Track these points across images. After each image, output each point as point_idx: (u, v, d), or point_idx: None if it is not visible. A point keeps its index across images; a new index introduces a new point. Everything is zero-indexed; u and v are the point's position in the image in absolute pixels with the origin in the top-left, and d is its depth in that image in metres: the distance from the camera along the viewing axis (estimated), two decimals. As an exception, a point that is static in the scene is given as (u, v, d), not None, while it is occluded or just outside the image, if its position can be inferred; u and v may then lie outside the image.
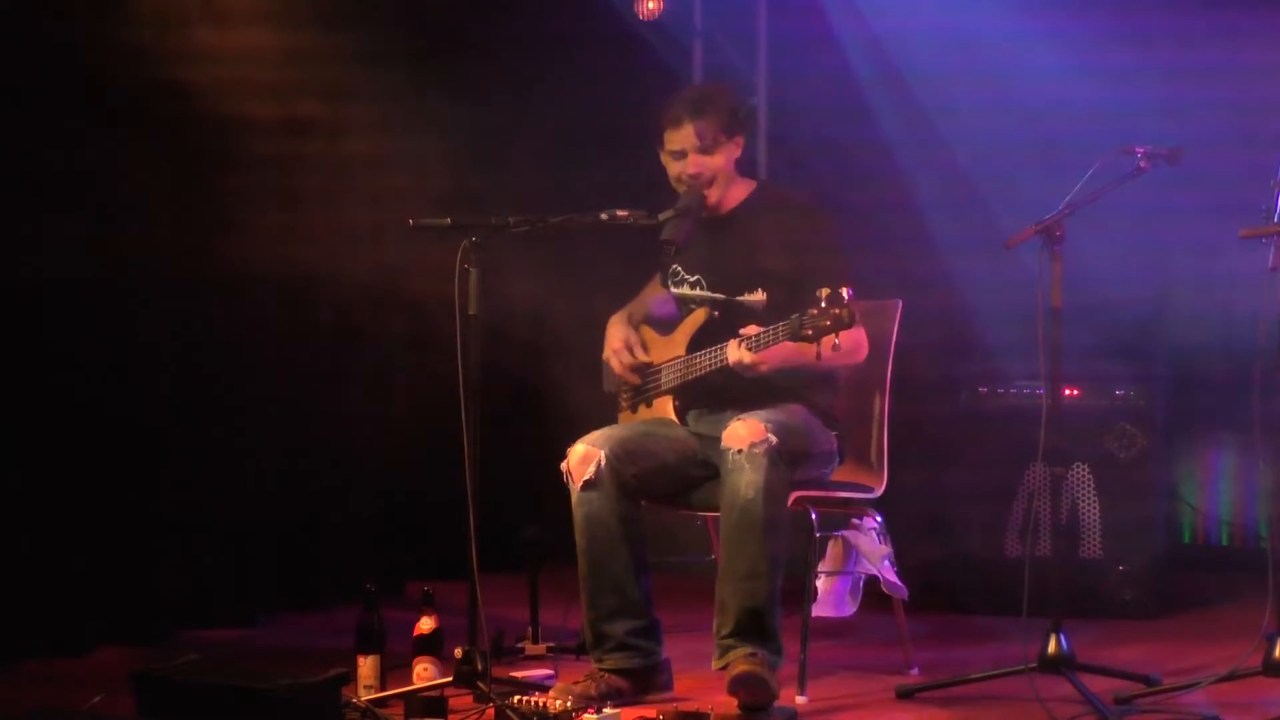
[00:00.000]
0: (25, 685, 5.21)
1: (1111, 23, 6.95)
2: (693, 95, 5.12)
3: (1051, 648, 4.90)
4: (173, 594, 5.89)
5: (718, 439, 4.91)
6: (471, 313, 4.85)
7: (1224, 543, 7.17)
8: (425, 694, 4.86)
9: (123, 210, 5.69)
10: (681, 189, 5.11)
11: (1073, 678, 4.85)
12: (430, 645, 5.08)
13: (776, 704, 4.79)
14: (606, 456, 4.96)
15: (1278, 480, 5.73)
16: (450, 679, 4.87)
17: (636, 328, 5.25)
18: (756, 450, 4.78)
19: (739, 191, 5.18)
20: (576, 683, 4.96)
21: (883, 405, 5.30)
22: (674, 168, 5.10)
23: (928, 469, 6.19)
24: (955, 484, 6.35)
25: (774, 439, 4.80)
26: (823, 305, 4.61)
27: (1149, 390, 6.27)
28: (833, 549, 5.43)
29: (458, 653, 4.85)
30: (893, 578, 5.29)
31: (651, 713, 4.67)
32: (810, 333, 4.64)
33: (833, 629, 5.65)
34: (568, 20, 7.16)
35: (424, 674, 5.05)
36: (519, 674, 5.26)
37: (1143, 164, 4.93)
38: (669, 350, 5.19)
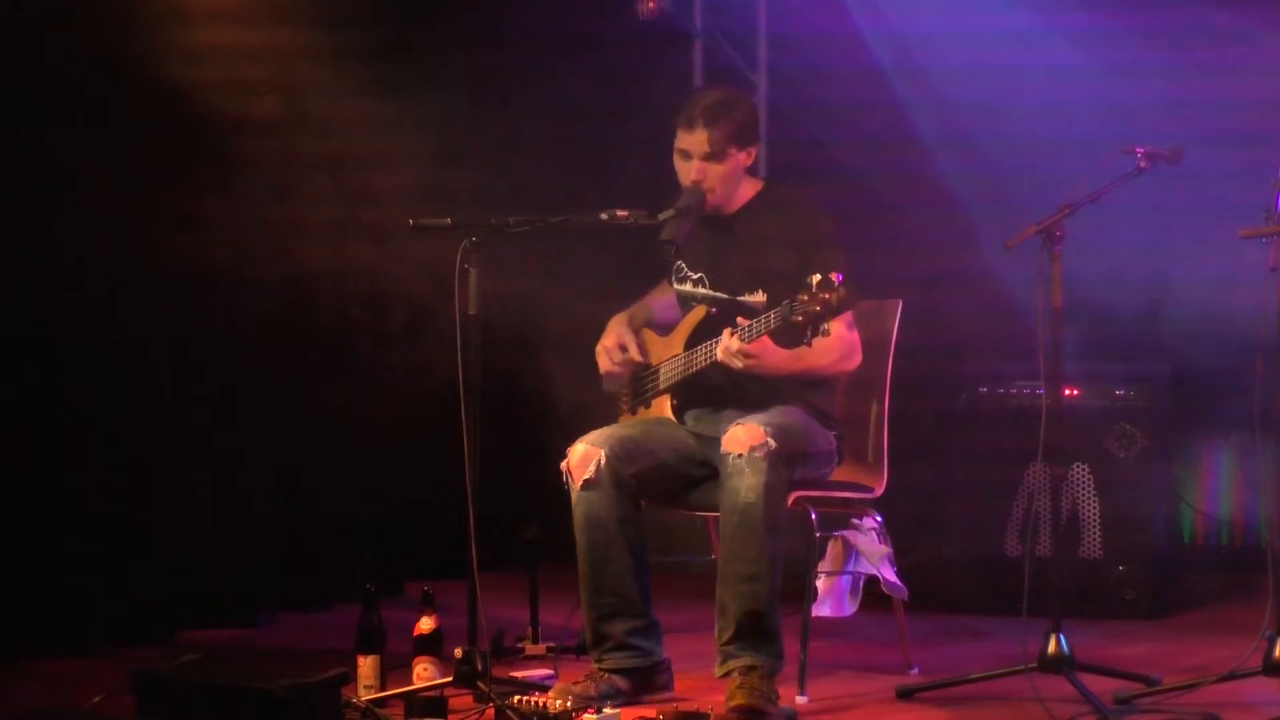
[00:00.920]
0: (25, 685, 5.21)
1: (1113, 21, 6.95)
2: (710, 101, 5.07)
3: (1051, 648, 4.89)
4: (173, 594, 5.89)
5: (717, 439, 4.91)
6: (471, 312, 4.86)
7: (1224, 542, 7.16)
8: (425, 694, 4.86)
9: (121, 210, 5.68)
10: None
11: (1073, 678, 4.85)
12: (430, 645, 5.07)
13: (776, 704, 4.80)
14: (606, 456, 4.96)
15: (1278, 479, 5.73)
16: (450, 679, 4.87)
17: (637, 330, 5.25)
18: (756, 454, 4.78)
19: (746, 192, 5.17)
20: (576, 683, 4.96)
21: (882, 405, 5.30)
22: (680, 167, 5.10)
23: (928, 469, 6.19)
24: (955, 484, 6.35)
25: (773, 442, 4.80)
26: (813, 290, 4.61)
27: (1149, 390, 6.27)
28: (833, 549, 5.43)
29: (458, 653, 4.85)
30: (893, 578, 5.29)
31: (651, 713, 4.67)
32: (801, 318, 4.63)
33: (833, 629, 5.65)
34: (568, 19, 7.15)
35: (424, 674, 5.05)
36: (519, 674, 5.26)
37: (1143, 164, 4.93)
38: (667, 350, 5.19)
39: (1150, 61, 6.87)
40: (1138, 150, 4.93)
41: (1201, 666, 5.26)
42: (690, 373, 5.09)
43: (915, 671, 5.34)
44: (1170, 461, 6.49)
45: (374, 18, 6.54)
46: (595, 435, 5.04)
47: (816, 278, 4.62)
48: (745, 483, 4.78)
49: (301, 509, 6.44)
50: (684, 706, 4.61)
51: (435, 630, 5.08)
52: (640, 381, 5.25)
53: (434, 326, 5.19)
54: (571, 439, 5.07)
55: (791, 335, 4.78)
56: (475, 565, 4.82)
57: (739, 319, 4.85)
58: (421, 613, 5.11)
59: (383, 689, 4.99)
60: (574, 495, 4.99)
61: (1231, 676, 4.85)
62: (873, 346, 5.19)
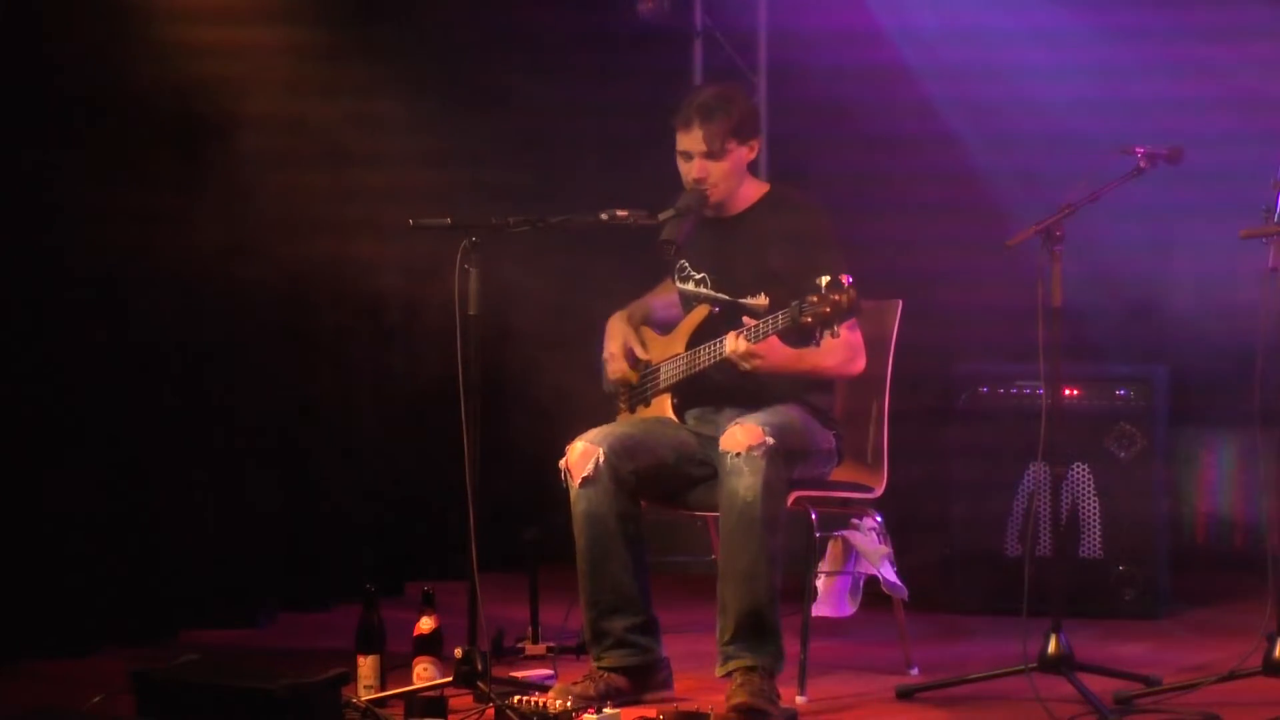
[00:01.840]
0: (25, 685, 5.21)
1: (1115, 19, 6.94)
2: (704, 98, 5.07)
3: (1051, 648, 4.90)
4: (173, 594, 5.89)
5: (717, 439, 4.91)
6: (471, 313, 4.86)
7: (1224, 542, 7.16)
8: (425, 694, 4.86)
9: (121, 210, 5.68)
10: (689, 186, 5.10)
11: (1073, 678, 4.85)
12: (430, 645, 5.08)
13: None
14: (605, 453, 4.96)
15: (1278, 479, 5.73)
16: (450, 679, 4.87)
17: (636, 328, 5.25)
18: (755, 453, 4.78)
19: (750, 194, 5.17)
20: (576, 683, 4.96)
21: (882, 405, 5.30)
22: (681, 167, 5.10)
23: (927, 468, 6.19)
24: (955, 483, 6.35)
25: (771, 441, 4.80)
26: (823, 292, 4.61)
27: (1149, 390, 6.26)
28: (832, 549, 5.43)
29: (458, 653, 4.86)
30: (892, 578, 5.29)
31: (651, 713, 4.67)
32: (810, 320, 4.63)
33: (833, 629, 5.65)
34: (568, 18, 7.15)
35: (424, 674, 5.05)
36: (519, 674, 5.26)
37: (1143, 164, 4.93)
38: (668, 348, 5.19)
39: (1151, 60, 6.87)
40: (1137, 150, 4.93)
41: (1201, 666, 5.26)
42: (693, 372, 5.09)
43: (915, 671, 5.34)
44: (1170, 461, 6.49)
45: (372, 15, 6.53)
46: (594, 433, 5.04)
47: (826, 279, 4.62)
48: (744, 482, 4.78)
49: (301, 509, 6.44)
50: (684, 706, 4.62)
51: (435, 630, 5.08)
52: (640, 380, 5.25)
53: (434, 326, 5.19)
54: (570, 437, 5.07)
55: (800, 336, 4.78)
56: (475, 565, 4.82)
57: (745, 319, 4.85)
58: (421, 613, 5.11)
59: (383, 689, 4.99)
60: (573, 493, 4.99)
61: (1231, 676, 4.85)
62: (873, 346, 5.19)
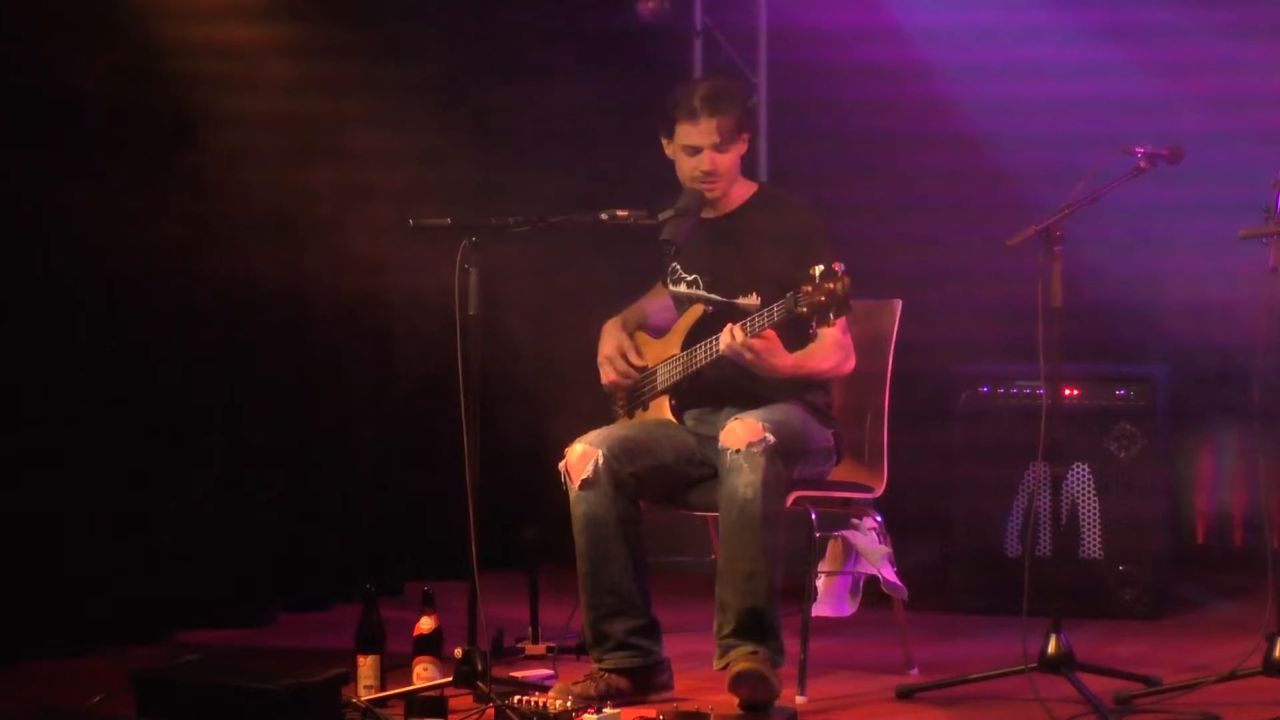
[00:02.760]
0: (25, 685, 5.21)
1: (1113, 18, 6.94)
2: (708, 90, 5.05)
3: (1051, 648, 4.89)
4: (172, 594, 5.89)
5: (716, 439, 4.91)
6: (471, 313, 4.86)
7: (1224, 542, 7.16)
8: (425, 694, 4.86)
9: (121, 211, 5.68)
10: (695, 183, 5.09)
11: (1073, 678, 4.85)
12: (430, 645, 5.08)
13: (777, 704, 4.79)
14: (605, 455, 4.96)
15: (1278, 478, 5.73)
16: (450, 679, 4.87)
17: (631, 334, 5.25)
18: (754, 450, 4.78)
19: (739, 193, 5.17)
20: (576, 683, 4.96)
21: (882, 405, 5.30)
22: (686, 164, 5.08)
23: (927, 468, 6.19)
24: (955, 483, 6.35)
25: (771, 438, 4.80)
26: (817, 281, 4.61)
27: (1149, 390, 6.26)
28: (832, 549, 5.43)
29: (458, 653, 4.85)
30: (892, 577, 5.29)
31: (651, 713, 4.67)
32: (806, 309, 4.64)
33: (833, 628, 5.65)
34: (568, 17, 7.14)
35: (424, 674, 5.05)
36: (519, 674, 5.26)
37: (1143, 164, 4.92)
38: (664, 351, 5.19)
39: (1151, 58, 6.87)
40: (1137, 150, 4.93)
41: (1201, 666, 5.25)
42: (690, 372, 5.09)
43: (915, 671, 5.34)
44: (1170, 461, 6.49)
45: (370, 13, 6.53)
46: (593, 435, 5.04)
47: (819, 268, 4.62)
48: (743, 479, 4.78)
49: (301, 509, 6.43)
50: (684, 706, 4.61)
51: (435, 630, 5.08)
52: (637, 385, 5.24)
53: (434, 326, 5.19)
54: (570, 439, 5.07)
55: (796, 328, 4.78)
56: (475, 565, 4.82)
57: (731, 322, 4.85)
58: (421, 613, 5.11)
59: (383, 689, 4.99)
60: (572, 495, 4.99)
61: (1231, 676, 4.85)
62: (872, 346, 5.19)
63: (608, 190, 5.47)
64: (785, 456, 4.84)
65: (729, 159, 5.06)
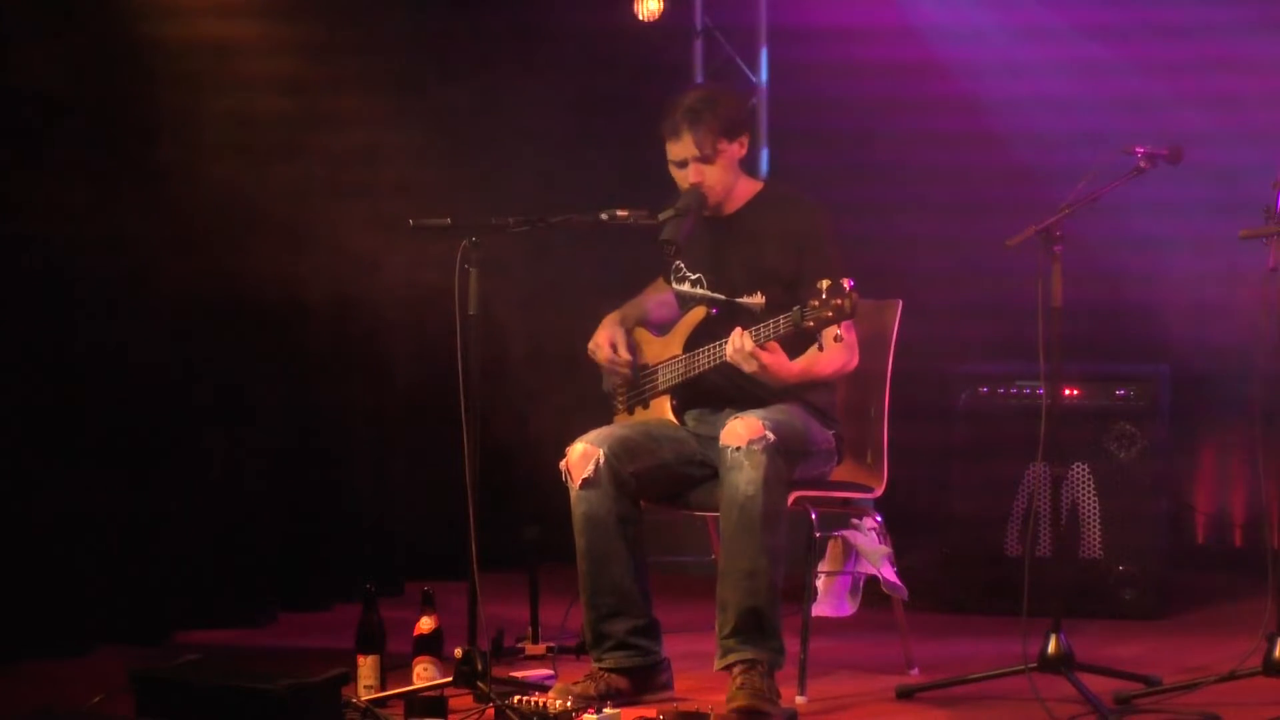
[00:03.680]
0: (25, 685, 5.21)
1: (1114, 16, 6.94)
2: (689, 103, 5.05)
3: (1051, 648, 4.90)
4: (173, 594, 5.89)
5: (717, 439, 4.91)
6: (471, 312, 4.86)
7: (1224, 542, 7.16)
8: (425, 694, 4.86)
9: (120, 213, 5.68)
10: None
11: (1073, 678, 4.85)
12: (430, 645, 5.08)
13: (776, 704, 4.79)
14: (605, 455, 4.96)
15: (1277, 478, 5.72)
16: (450, 679, 4.87)
17: (630, 330, 5.25)
18: (755, 448, 4.78)
19: (744, 192, 5.17)
20: (576, 683, 4.96)
21: (882, 405, 5.30)
22: (677, 175, 5.10)
23: (928, 468, 6.19)
24: (955, 483, 6.35)
25: (772, 436, 4.80)
26: (824, 296, 4.62)
27: (1149, 390, 6.26)
28: (832, 549, 5.43)
29: (458, 653, 4.86)
30: (892, 577, 5.29)
31: (651, 713, 4.67)
32: (812, 324, 4.65)
33: (833, 628, 5.64)
34: (568, 16, 7.14)
35: (424, 674, 5.06)
36: (519, 674, 5.26)
37: (1143, 164, 4.92)
38: (665, 350, 5.19)
39: (1153, 56, 6.87)
40: (1137, 150, 4.93)
41: (1201, 666, 5.25)
42: (690, 375, 5.09)
43: (915, 671, 5.34)
44: (1170, 461, 6.49)
45: (368, 11, 6.53)
46: (594, 435, 5.04)
47: (827, 283, 4.63)
48: (744, 477, 4.78)
49: (301, 509, 6.43)
50: (684, 706, 4.61)
51: (435, 630, 5.09)
52: (638, 382, 5.24)
53: (434, 326, 5.19)
54: (571, 438, 5.07)
55: (801, 340, 4.79)
56: (475, 565, 4.82)
57: (739, 328, 4.85)
58: (421, 613, 5.11)
59: (383, 689, 5.00)
60: (573, 495, 4.99)
61: (1231, 676, 4.85)
62: (873, 346, 5.19)
63: (608, 190, 5.47)
64: (786, 455, 4.84)
65: (716, 169, 5.05)
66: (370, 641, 5.02)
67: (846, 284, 4.63)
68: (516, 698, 4.69)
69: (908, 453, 5.42)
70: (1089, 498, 6.21)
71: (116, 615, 5.72)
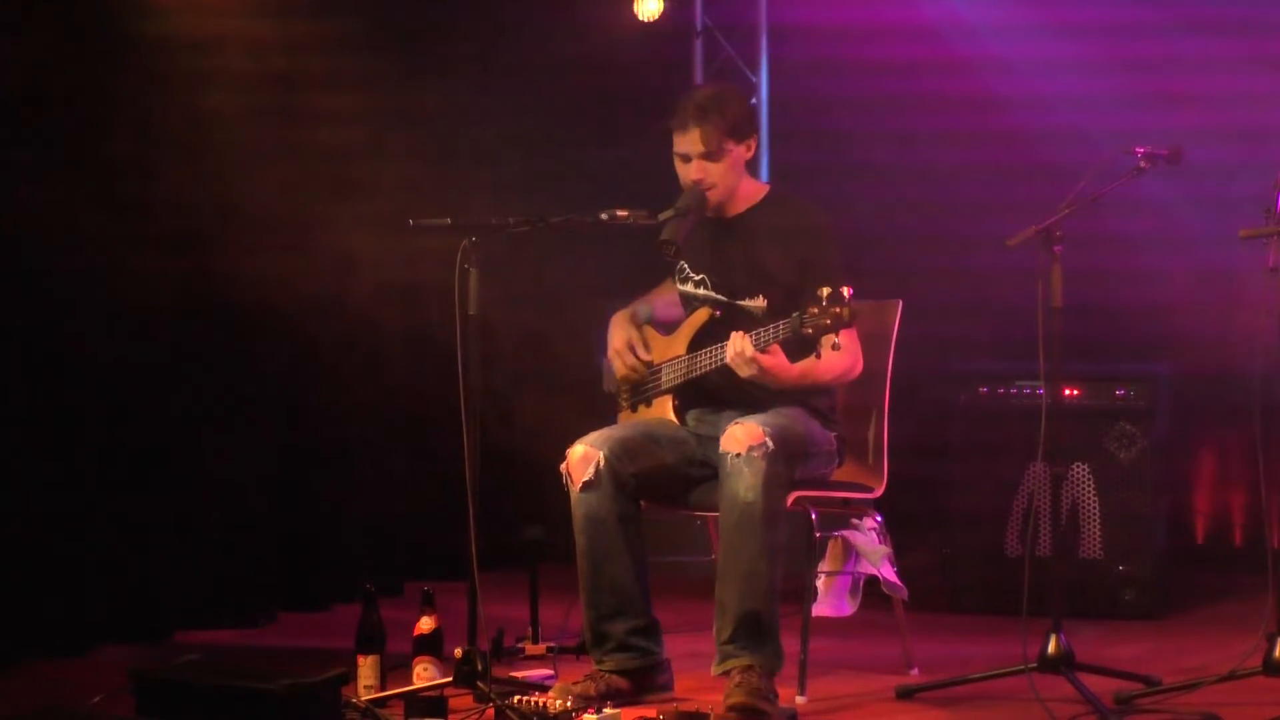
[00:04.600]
0: (25, 685, 5.21)
1: (1114, 14, 6.94)
2: (699, 99, 5.06)
3: (1051, 648, 4.90)
4: (173, 594, 5.89)
5: (717, 439, 4.91)
6: (471, 313, 4.86)
7: (1224, 542, 7.15)
8: (425, 694, 4.86)
9: (117, 207, 5.68)
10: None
11: (1073, 678, 4.85)
12: (430, 645, 5.08)
13: (776, 704, 4.79)
14: (606, 456, 4.96)
15: (1277, 478, 5.73)
16: (450, 679, 4.87)
17: (639, 328, 5.26)
18: (755, 454, 4.78)
19: (749, 194, 5.17)
20: (576, 683, 4.96)
21: (882, 405, 5.30)
22: (680, 170, 5.10)
23: (928, 468, 6.19)
24: (955, 483, 6.35)
25: (771, 443, 4.80)
26: (823, 304, 4.63)
27: (1149, 390, 6.26)
28: (832, 549, 5.43)
29: (458, 653, 4.86)
30: (892, 577, 5.29)
31: (651, 713, 4.67)
32: (811, 331, 4.66)
33: (832, 628, 5.64)
34: (567, 14, 7.14)
35: (424, 674, 5.06)
36: (519, 674, 5.26)
37: (1143, 164, 4.92)
38: (670, 350, 5.19)
39: (1154, 55, 6.87)
40: (1137, 150, 4.93)
41: (1201, 666, 5.25)
42: (692, 376, 5.09)
43: (915, 671, 5.34)
44: (1170, 461, 6.48)
45: (367, 10, 6.53)
46: (594, 436, 5.04)
47: (826, 291, 4.63)
48: (744, 483, 4.78)
49: (301, 509, 6.43)
50: (684, 706, 4.61)
51: (435, 630, 5.09)
52: (642, 380, 5.24)
53: (434, 326, 5.19)
54: (571, 439, 5.06)
55: (800, 347, 4.79)
56: (475, 565, 4.82)
57: (738, 332, 4.85)
58: (421, 613, 5.11)
59: (383, 689, 5.00)
60: (573, 496, 4.99)
61: (1231, 676, 4.85)
62: (873, 346, 5.19)
63: (608, 190, 5.47)
64: (786, 460, 4.84)
65: (720, 167, 5.05)
66: (370, 641, 5.02)
67: (846, 292, 4.63)
68: (516, 698, 4.69)
69: (908, 453, 5.42)
70: (1089, 498, 6.20)
71: (116, 615, 5.72)
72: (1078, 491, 6.21)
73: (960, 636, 5.93)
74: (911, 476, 5.48)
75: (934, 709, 4.97)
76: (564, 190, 6.55)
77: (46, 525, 5.53)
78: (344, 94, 6.38)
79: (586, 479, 4.95)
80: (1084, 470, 6.21)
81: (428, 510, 6.80)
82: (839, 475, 5.22)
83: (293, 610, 6.34)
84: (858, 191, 6.92)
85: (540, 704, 4.65)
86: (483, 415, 4.85)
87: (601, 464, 4.95)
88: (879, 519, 5.33)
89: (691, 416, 5.17)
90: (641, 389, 5.24)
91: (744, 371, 4.85)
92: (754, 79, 7.65)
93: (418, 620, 5.10)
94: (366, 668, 5.01)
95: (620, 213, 4.95)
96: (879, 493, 5.28)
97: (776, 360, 4.83)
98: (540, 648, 5.55)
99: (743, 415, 4.92)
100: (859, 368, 5.05)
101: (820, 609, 5.37)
